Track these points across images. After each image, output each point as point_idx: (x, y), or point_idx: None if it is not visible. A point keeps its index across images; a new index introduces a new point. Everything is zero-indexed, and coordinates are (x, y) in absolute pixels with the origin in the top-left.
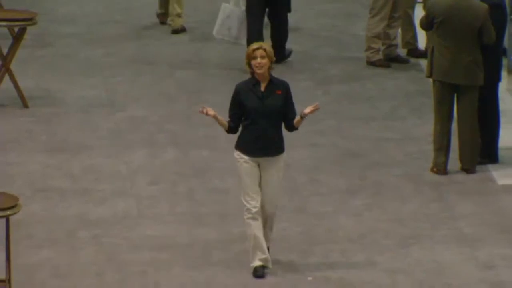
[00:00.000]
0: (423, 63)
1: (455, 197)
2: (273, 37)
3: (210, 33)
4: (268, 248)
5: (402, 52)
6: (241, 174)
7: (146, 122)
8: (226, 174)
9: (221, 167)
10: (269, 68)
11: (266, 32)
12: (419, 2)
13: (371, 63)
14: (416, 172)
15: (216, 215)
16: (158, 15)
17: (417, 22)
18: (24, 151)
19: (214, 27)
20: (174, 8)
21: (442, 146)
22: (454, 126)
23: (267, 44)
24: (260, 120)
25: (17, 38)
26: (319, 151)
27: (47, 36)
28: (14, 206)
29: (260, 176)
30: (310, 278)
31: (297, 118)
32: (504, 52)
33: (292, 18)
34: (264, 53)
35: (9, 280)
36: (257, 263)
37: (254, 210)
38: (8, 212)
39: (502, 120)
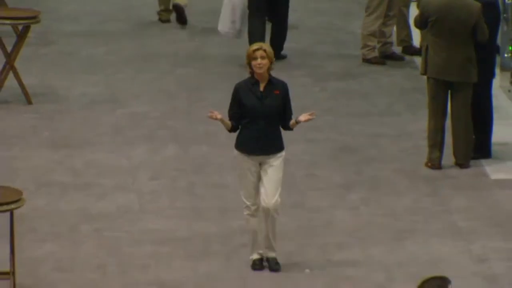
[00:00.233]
0: (418, 60)
1: (449, 192)
2: (272, 37)
3: (211, 30)
4: (276, 260)
5: (397, 49)
6: (241, 173)
7: (147, 119)
8: (226, 170)
9: (220, 162)
10: (269, 69)
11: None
12: (413, 1)
13: (367, 61)
14: (411, 167)
15: (216, 210)
16: (159, 13)
17: (411, 21)
18: (28, 146)
19: (214, 26)
20: None
21: (436, 142)
22: (448, 122)
23: (267, 44)
24: (259, 120)
25: (21, 36)
26: (316, 146)
27: (50, 34)
28: (18, 200)
29: (260, 175)
30: (307, 271)
31: (293, 121)
32: (497, 50)
33: (291, 16)
34: (264, 54)
35: (13, 273)
36: (256, 256)
37: (253, 208)
38: (12, 206)
39: (495, 116)
